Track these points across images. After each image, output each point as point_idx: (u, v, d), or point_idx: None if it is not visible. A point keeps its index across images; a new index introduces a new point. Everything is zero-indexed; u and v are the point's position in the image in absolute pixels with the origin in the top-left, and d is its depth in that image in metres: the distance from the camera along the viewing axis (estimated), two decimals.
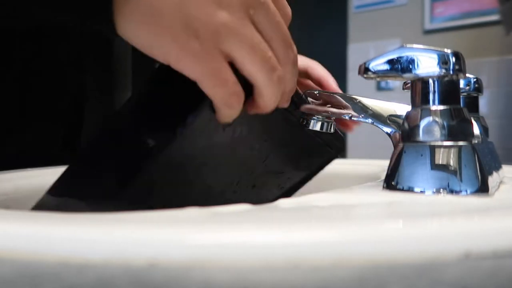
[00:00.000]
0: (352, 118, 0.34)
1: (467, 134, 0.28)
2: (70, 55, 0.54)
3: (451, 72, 0.28)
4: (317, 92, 0.37)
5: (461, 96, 0.35)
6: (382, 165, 0.54)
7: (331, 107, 0.36)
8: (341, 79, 2.43)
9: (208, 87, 0.27)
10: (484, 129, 0.39)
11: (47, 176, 0.46)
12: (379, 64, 0.30)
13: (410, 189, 0.28)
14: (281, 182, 0.43)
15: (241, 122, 0.31)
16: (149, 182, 0.30)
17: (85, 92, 0.57)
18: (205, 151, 0.33)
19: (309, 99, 0.37)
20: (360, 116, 0.34)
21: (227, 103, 0.28)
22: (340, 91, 0.46)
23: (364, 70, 0.30)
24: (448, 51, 0.28)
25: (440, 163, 0.27)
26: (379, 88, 2.43)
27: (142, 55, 0.28)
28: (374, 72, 0.30)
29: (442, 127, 0.28)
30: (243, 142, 0.36)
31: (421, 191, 0.27)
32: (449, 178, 0.27)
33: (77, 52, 0.54)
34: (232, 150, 0.36)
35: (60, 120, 0.56)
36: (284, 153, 0.40)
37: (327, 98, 0.37)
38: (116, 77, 0.61)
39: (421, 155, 0.28)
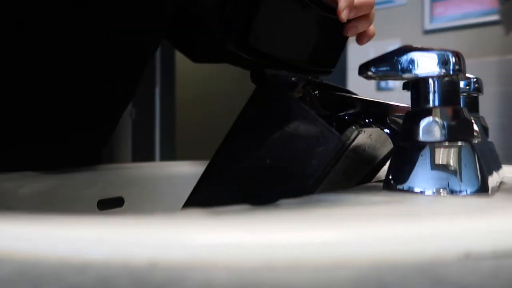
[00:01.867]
0: (355, 119, 0.34)
1: (467, 134, 0.28)
2: (103, 67, 0.53)
3: (451, 72, 0.28)
4: (317, 92, 0.37)
5: (461, 96, 0.35)
6: None
7: (332, 107, 0.36)
8: (341, 79, 2.43)
9: None
10: (484, 129, 0.39)
11: (48, 177, 0.46)
12: (379, 64, 0.30)
13: (410, 189, 0.28)
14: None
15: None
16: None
17: (116, 102, 0.57)
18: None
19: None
20: (360, 116, 0.34)
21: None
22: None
23: (364, 70, 0.30)
24: (448, 51, 0.28)
25: (440, 163, 0.27)
26: (379, 88, 2.43)
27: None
28: (374, 72, 0.30)
29: (442, 127, 0.28)
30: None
31: (421, 191, 0.27)
32: (449, 178, 0.27)
33: (109, 63, 0.53)
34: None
35: (94, 132, 0.55)
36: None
37: (327, 98, 0.37)
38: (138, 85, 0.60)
39: (421, 155, 0.28)
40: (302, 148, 0.32)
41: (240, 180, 0.35)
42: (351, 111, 0.35)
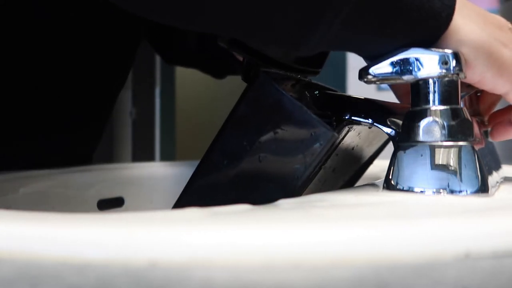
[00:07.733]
0: (352, 118, 0.34)
1: (467, 134, 0.28)
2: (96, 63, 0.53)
3: (451, 72, 0.28)
4: (316, 92, 0.37)
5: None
6: (382, 165, 0.54)
7: (329, 106, 0.36)
8: (341, 79, 2.43)
9: None
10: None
11: (48, 177, 0.46)
12: (378, 68, 0.30)
13: (410, 189, 0.28)
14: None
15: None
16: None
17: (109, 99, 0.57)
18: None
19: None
20: (360, 116, 0.34)
21: None
22: None
23: (364, 74, 0.30)
24: (448, 51, 0.28)
25: (440, 163, 0.27)
26: (379, 88, 2.43)
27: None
28: (374, 76, 0.30)
29: (442, 127, 0.28)
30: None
31: (421, 191, 0.27)
32: (449, 178, 0.27)
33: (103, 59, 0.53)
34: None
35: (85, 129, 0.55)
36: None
37: (324, 98, 0.37)
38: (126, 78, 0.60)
39: (421, 155, 0.28)
40: (295, 144, 0.32)
41: (232, 177, 0.35)
42: (350, 111, 0.34)
